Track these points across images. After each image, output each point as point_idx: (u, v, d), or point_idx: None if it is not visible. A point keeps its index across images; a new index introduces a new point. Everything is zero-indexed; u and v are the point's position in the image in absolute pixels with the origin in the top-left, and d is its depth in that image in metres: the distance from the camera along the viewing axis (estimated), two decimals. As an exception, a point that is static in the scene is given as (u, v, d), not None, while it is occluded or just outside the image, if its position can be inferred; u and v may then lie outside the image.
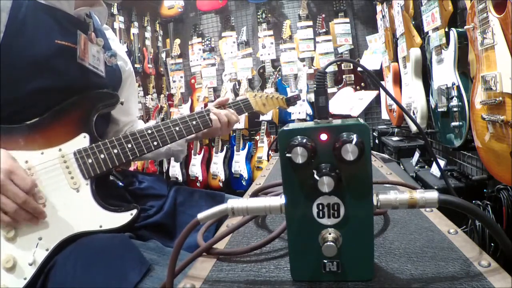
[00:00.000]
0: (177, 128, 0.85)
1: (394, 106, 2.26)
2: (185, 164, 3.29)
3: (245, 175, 3.03)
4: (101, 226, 0.71)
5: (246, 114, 1.02)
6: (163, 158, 1.00)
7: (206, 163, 3.26)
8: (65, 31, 0.75)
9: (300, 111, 2.88)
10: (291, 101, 1.12)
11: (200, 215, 0.42)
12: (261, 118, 3.02)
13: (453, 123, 1.39)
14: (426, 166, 1.78)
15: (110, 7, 2.94)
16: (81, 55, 0.77)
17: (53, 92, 0.74)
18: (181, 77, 3.53)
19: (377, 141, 2.54)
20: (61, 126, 0.75)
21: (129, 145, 0.79)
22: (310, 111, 2.89)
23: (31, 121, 0.72)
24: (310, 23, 2.98)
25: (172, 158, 3.31)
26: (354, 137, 0.35)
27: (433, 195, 0.37)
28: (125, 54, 0.99)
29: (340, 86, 2.85)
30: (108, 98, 0.82)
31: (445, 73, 1.45)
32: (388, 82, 2.31)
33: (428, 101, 1.76)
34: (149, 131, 0.82)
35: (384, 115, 2.61)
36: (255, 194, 0.69)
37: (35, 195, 0.67)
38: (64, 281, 0.60)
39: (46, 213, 0.68)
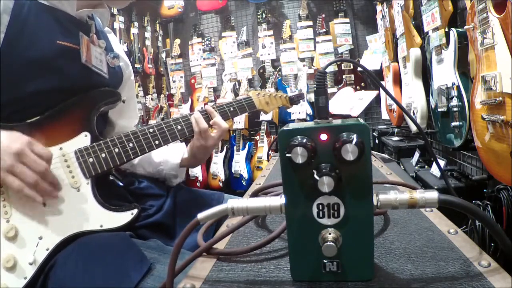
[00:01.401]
0: (178, 127, 0.85)
1: (394, 106, 2.26)
2: (185, 164, 3.29)
3: (245, 175, 3.03)
4: (101, 226, 0.71)
5: (248, 113, 1.00)
6: (155, 177, 0.96)
7: (206, 163, 3.26)
8: (67, 32, 0.75)
9: (300, 111, 2.89)
10: (295, 99, 1.11)
11: (200, 215, 0.42)
12: (261, 118, 3.02)
13: (453, 123, 1.39)
14: (426, 166, 1.78)
15: (111, 8, 2.94)
16: (85, 56, 0.77)
17: (55, 92, 0.74)
18: (181, 77, 3.53)
19: (377, 141, 2.54)
20: (62, 124, 0.75)
21: (131, 144, 0.79)
22: (310, 111, 2.89)
23: (31, 119, 0.72)
24: (310, 23, 2.98)
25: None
26: (354, 137, 0.35)
27: (433, 195, 0.37)
28: (126, 57, 0.99)
29: (340, 86, 2.85)
30: (109, 96, 0.81)
31: (445, 73, 1.45)
32: (388, 82, 2.32)
33: (428, 101, 1.76)
34: (151, 130, 0.82)
35: (384, 115, 2.61)
36: (255, 194, 0.69)
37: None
38: (65, 281, 0.60)
39: (60, 185, 0.70)
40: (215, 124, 0.89)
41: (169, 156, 0.96)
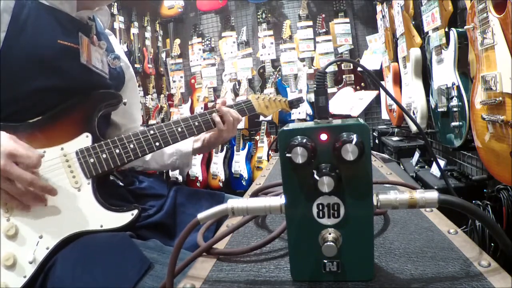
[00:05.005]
0: (179, 129, 0.86)
1: (394, 106, 2.26)
2: (185, 164, 3.29)
3: (245, 175, 3.03)
4: (102, 226, 0.71)
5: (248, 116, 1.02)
6: (168, 169, 1.01)
7: (206, 163, 3.26)
8: (68, 32, 0.76)
9: (300, 111, 2.88)
10: (294, 103, 1.11)
11: (200, 215, 0.42)
12: (261, 118, 3.02)
13: (453, 123, 1.39)
14: (426, 166, 1.78)
15: (110, 7, 2.94)
16: (84, 56, 0.77)
17: (56, 91, 0.74)
18: (181, 77, 3.53)
19: (377, 141, 2.54)
20: (64, 125, 0.75)
21: (131, 145, 0.79)
22: (310, 111, 2.89)
23: (33, 119, 0.72)
24: (310, 23, 2.98)
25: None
26: (354, 137, 0.35)
27: (433, 195, 0.37)
28: (126, 58, 1.00)
29: (340, 86, 2.85)
30: (111, 98, 0.82)
31: (445, 73, 1.45)
32: (388, 82, 2.32)
33: (428, 101, 1.76)
34: (151, 132, 0.82)
35: (384, 115, 2.61)
36: (255, 194, 0.69)
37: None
38: (64, 280, 0.60)
39: (56, 190, 0.68)
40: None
41: (181, 145, 1.00)
